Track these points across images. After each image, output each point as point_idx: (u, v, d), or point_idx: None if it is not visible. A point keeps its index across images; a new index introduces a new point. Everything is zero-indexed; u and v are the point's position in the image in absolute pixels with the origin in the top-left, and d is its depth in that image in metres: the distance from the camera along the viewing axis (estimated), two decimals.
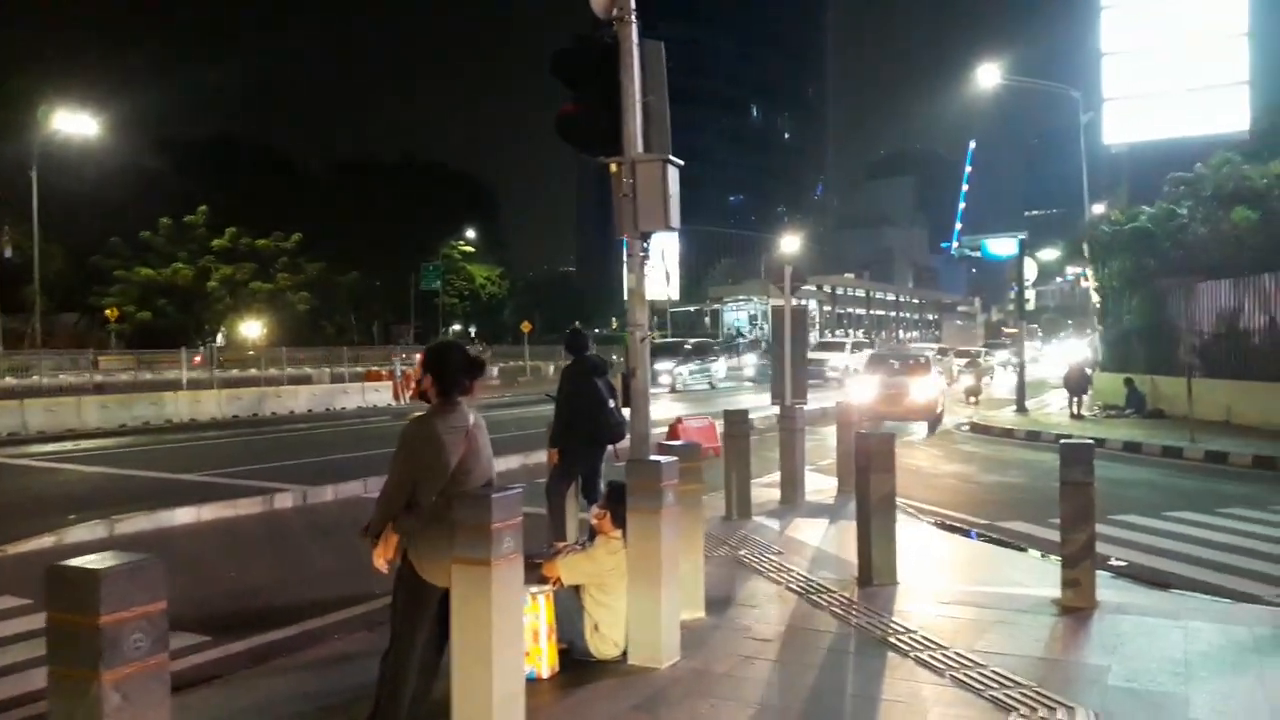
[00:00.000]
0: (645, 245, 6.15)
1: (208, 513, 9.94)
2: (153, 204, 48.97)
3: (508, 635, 3.69)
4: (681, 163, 5.97)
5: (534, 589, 4.89)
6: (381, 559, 3.84)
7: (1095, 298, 24.53)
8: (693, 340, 41.32)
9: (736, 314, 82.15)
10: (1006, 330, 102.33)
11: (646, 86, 5.98)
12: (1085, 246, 24.38)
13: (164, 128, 61.61)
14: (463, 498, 3.68)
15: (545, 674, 4.78)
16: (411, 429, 3.83)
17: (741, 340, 60.65)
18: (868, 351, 29.44)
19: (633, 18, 5.86)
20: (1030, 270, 24.08)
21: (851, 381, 19.03)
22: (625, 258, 6.15)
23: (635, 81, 5.87)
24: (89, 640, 2.33)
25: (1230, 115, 25.43)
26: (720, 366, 36.91)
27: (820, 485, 11.08)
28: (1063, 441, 6.31)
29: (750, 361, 42.19)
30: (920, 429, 18.56)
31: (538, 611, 4.80)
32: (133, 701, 2.39)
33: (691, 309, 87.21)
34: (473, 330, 71.55)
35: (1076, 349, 35.90)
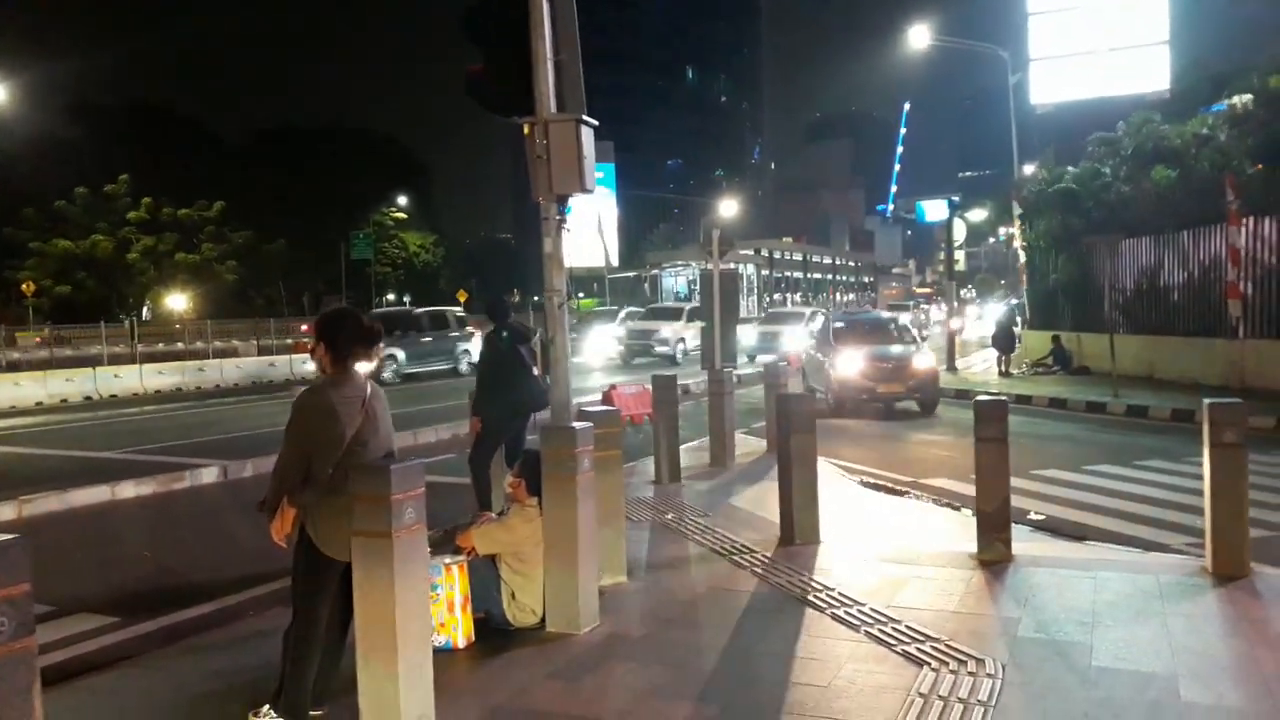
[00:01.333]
0: (561, 209, 6.03)
1: (124, 491, 9.66)
2: (67, 174, 47.28)
3: (412, 607, 3.60)
4: (595, 123, 5.84)
5: (448, 559, 4.82)
6: (278, 533, 3.73)
7: (1022, 257, 24.96)
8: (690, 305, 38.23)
9: (675, 279, 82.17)
10: (919, 290, 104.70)
11: (558, 44, 5.81)
12: (1014, 206, 24.74)
13: (78, 95, 59.37)
14: (361, 469, 3.58)
15: (461, 644, 4.72)
16: (304, 399, 3.71)
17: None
18: (811, 319, 27.18)
19: None
20: (959, 231, 24.39)
21: (833, 355, 15.28)
22: (541, 221, 6.02)
23: (546, 39, 5.71)
24: None
25: (1152, 75, 25.91)
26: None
27: (752, 447, 11.14)
28: (977, 399, 6.39)
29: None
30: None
31: (452, 582, 4.74)
32: None
33: (630, 275, 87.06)
34: (408, 298, 70.53)
35: (997, 310, 36.26)
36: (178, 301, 50.20)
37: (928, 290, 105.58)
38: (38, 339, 35.45)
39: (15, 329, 36.45)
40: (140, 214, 48.10)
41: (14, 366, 26.57)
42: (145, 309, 51.78)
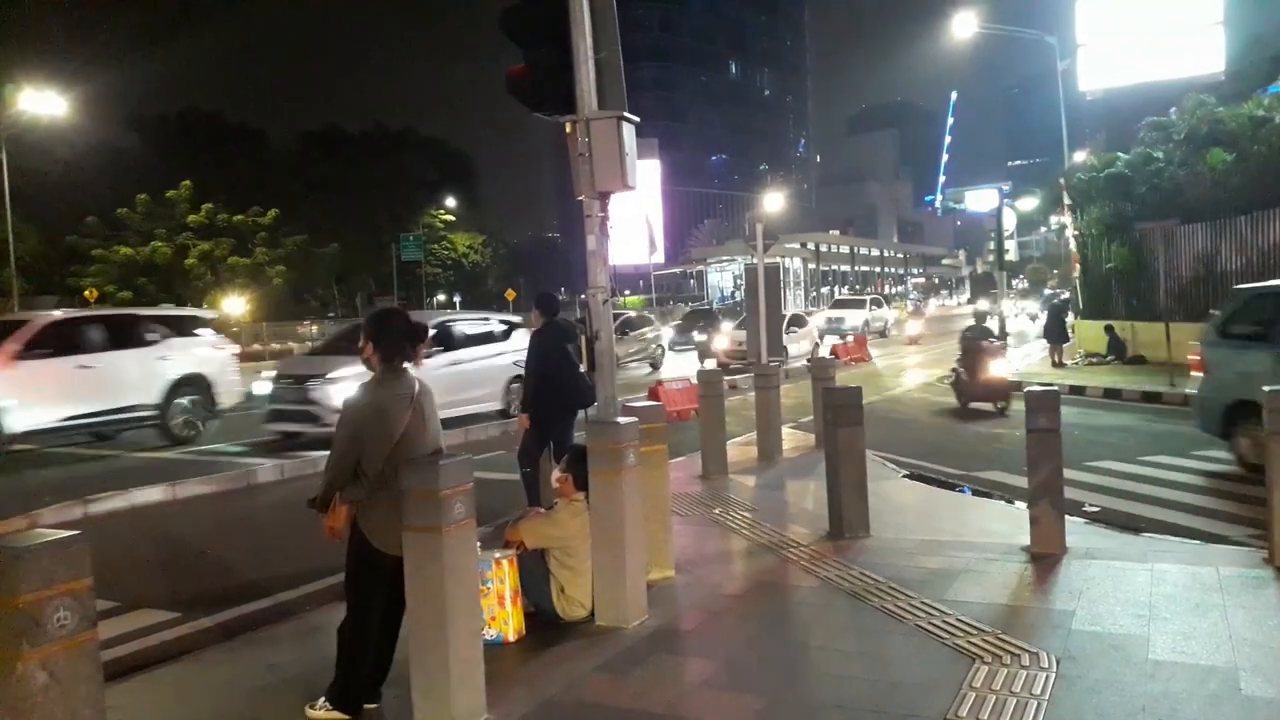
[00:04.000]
0: (604, 206, 6.06)
1: (185, 490, 9.89)
2: (125, 182, 48.37)
3: (463, 601, 3.67)
4: (637, 119, 5.86)
5: (498, 554, 4.88)
6: (331, 530, 3.81)
7: (1074, 245, 24.51)
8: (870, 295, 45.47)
9: (721, 275, 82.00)
10: (918, 282, 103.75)
11: (599, 42, 5.84)
12: (1064, 194, 24.30)
13: (132, 104, 60.92)
14: (411, 465, 3.64)
15: (512, 637, 4.78)
16: (354, 398, 3.78)
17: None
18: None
19: None
20: (1009, 221, 24.06)
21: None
22: (585, 219, 6.05)
23: (586, 37, 5.74)
24: (10, 619, 2.30)
25: (1205, 57, 25.19)
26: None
27: (799, 441, 11.10)
28: (1027, 389, 6.30)
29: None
30: (898, 382, 18.56)
31: (503, 576, 4.80)
32: (60, 680, 2.36)
33: (676, 270, 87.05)
34: (458, 298, 71.23)
35: (1027, 305, 40.02)
36: (235, 304, 51.19)
37: (917, 281, 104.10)
38: None
39: None
40: (200, 218, 49.07)
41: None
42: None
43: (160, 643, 5.27)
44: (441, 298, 72.89)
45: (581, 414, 7.55)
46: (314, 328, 42.51)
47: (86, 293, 42.59)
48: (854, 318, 36.10)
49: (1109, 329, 20.20)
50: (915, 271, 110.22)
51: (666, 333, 29.63)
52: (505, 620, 4.78)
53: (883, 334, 37.13)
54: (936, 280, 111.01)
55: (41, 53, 44.19)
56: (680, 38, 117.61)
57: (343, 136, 72.10)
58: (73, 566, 2.42)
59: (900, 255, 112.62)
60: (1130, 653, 4.32)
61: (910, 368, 23.15)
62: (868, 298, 42.42)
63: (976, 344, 14.25)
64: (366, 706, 3.95)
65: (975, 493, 8.85)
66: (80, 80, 39.86)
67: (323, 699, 3.94)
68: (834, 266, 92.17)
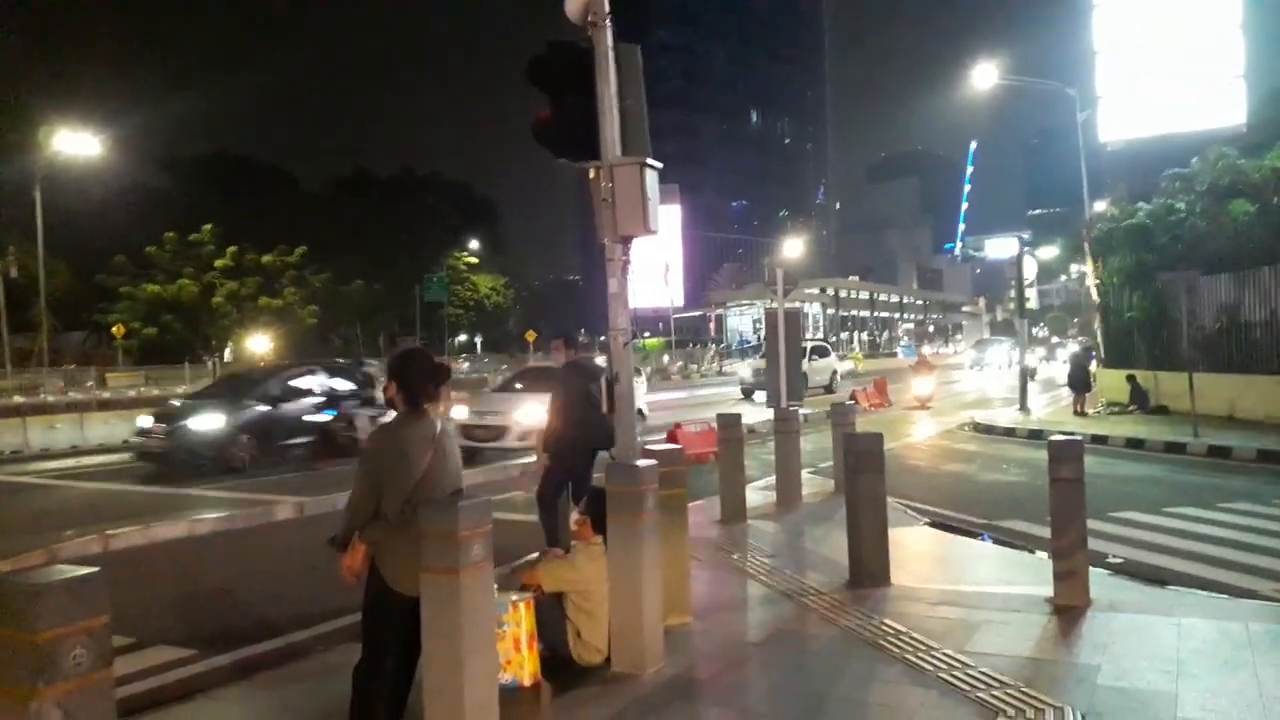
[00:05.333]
0: (626, 250, 6.10)
1: (203, 525, 9.92)
2: (155, 221, 49.27)
3: (479, 643, 3.64)
4: (660, 165, 5.91)
5: (514, 596, 4.84)
6: (349, 569, 3.80)
7: (1095, 295, 24.40)
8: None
9: (740, 318, 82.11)
10: (909, 328, 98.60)
11: (623, 90, 5.92)
12: (1086, 244, 24.24)
13: (163, 146, 62.17)
14: (430, 506, 3.64)
15: (527, 682, 4.73)
16: (376, 437, 3.79)
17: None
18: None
19: (607, 22, 5.81)
20: (1030, 269, 23.93)
21: None
22: (606, 263, 6.09)
23: (611, 85, 5.82)
24: (27, 657, 2.29)
25: (1226, 109, 25.26)
26: None
27: (818, 488, 11.02)
28: (1051, 439, 6.24)
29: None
30: (918, 429, 18.47)
31: (519, 619, 4.75)
32: (75, 718, 2.35)
33: (695, 314, 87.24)
34: (479, 339, 71.60)
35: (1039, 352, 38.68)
36: (259, 343, 51.66)
37: (908, 327, 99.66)
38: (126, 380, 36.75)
39: (106, 369, 37.79)
40: (226, 261, 49.77)
41: (105, 405, 27.50)
42: (228, 350, 53.40)
43: (176, 680, 5.26)
44: (463, 338, 73.36)
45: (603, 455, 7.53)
46: None
47: (114, 329, 43.18)
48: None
49: (1131, 378, 20.03)
50: (910, 316, 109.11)
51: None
52: (521, 664, 4.73)
53: (828, 389, 30.54)
54: (932, 327, 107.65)
55: (77, 94, 45.32)
56: (703, 87, 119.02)
57: (370, 180, 73.24)
58: (90, 604, 2.43)
59: (920, 302, 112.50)
60: (1158, 710, 4.23)
61: (925, 418, 23.02)
62: (807, 344, 33.17)
63: None
64: None
65: (997, 542, 8.74)
66: (115, 122, 40.82)
67: None
68: (854, 312, 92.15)
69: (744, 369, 33.62)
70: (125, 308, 46.58)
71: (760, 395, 26.82)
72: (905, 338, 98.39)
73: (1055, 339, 64.41)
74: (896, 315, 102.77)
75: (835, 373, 33.05)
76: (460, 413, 14.69)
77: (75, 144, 33.40)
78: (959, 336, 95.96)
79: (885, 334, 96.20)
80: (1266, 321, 16.86)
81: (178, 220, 49.64)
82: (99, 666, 2.41)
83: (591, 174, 5.92)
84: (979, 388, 34.22)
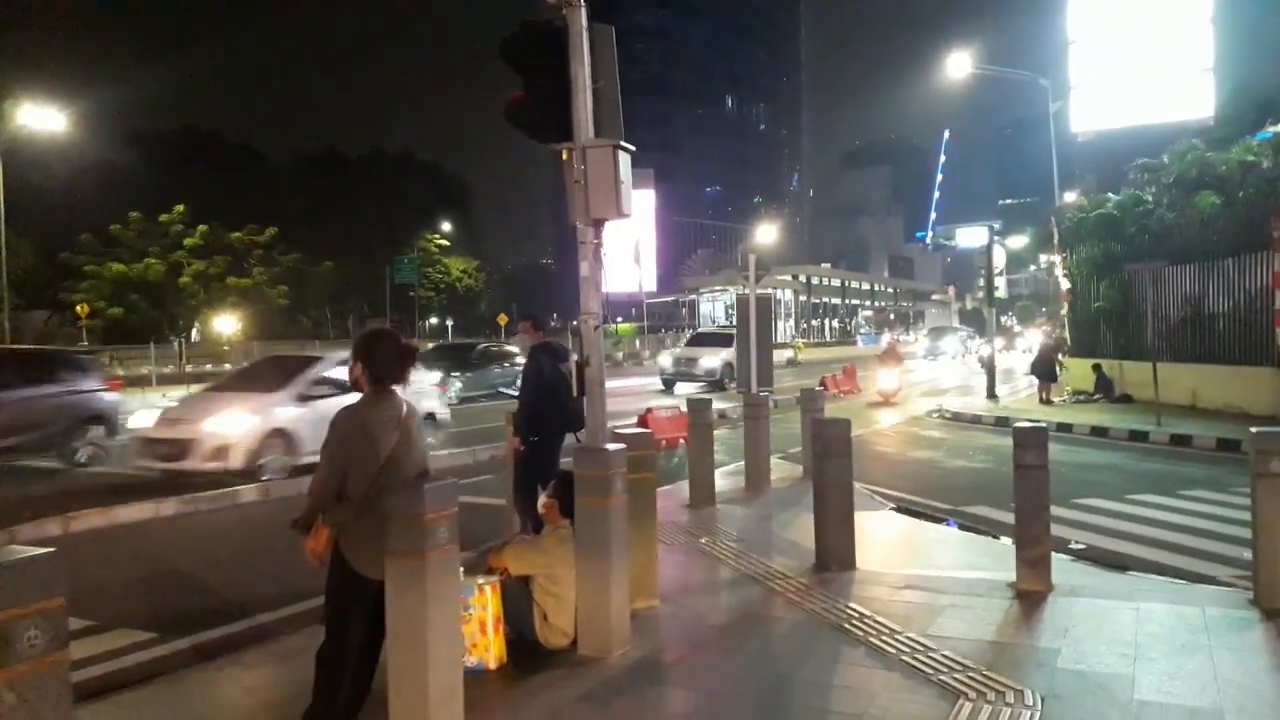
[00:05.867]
0: (599, 233, 6.08)
1: (168, 508, 9.80)
2: (122, 198, 48.44)
3: (444, 627, 3.62)
4: (633, 148, 5.88)
5: (481, 580, 4.83)
6: (312, 552, 3.76)
7: (1064, 284, 24.67)
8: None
9: (712, 304, 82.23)
10: (869, 314, 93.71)
11: (597, 72, 5.88)
12: (1054, 233, 24.48)
13: (130, 122, 61.01)
14: (395, 488, 3.61)
15: (492, 665, 4.72)
16: (341, 418, 3.76)
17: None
18: None
19: (581, 1, 5.78)
20: (1000, 258, 24.14)
21: None
22: (579, 246, 6.06)
23: (585, 66, 5.79)
24: None
25: (1195, 102, 25.58)
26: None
27: (787, 472, 11.08)
28: (1016, 425, 6.31)
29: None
30: (886, 416, 18.62)
31: (485, 603, 4.75)
32: (29, 700, 2.31)
33: (668, 299, 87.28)
34: (450, 322, 71.24)
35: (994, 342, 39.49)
36: (227, 324, 51.02)
37: (868, 314, 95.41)
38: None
39: (68, 349, 37.09)
40: (196, 240, 49.02)
41: None
42: (194, 331, 52.71)
43: (136, 664, 5.20)
44: (434, 321, 72.90)
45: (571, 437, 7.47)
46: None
47: (78, 308, 42.49)
48: (711, 359, 25.75)
49: (1096, 367, 20.29)
50: (905, 305, 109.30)
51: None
52: (486, 648, 4.73)
53: (716, 383, 25.70)
54: (893, 314, 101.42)
55: (41, 68, 44.43)
56: (678, 72, 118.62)
57: (341, 160, 72.39)
58: (46, 585, 2.38)
59: (891, 290, 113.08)
60: (1115, 693, 4.30)
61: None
62: (734, 331, 29.55)
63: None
64: None
65: (962, 527, 8.83)
66: (80, 96, 40.07)
67: None
68: (825, 299, 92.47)
69: (664, 357, 28.59)
70: (90, 287, 45.84)
71: (683, 387, 25.03)
72: (865, 324, 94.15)
73: (1017, 328, 63.92)
74: (868, 303, 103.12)
75: (729, 365, 24.44)
76: (142, 420, 11.84)
77: (39, 119, 32.71)
78: (922, 324, 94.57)
79: (852, 321, 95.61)
80: (1229, 313, 17.09)
81: (144, 197, 48.80)
82: (55, 648, 2.37)
83: (564, 156, 5.88)
84: (932, 378, 33.10)
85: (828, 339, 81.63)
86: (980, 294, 32.94)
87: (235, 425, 10.73)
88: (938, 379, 32.61)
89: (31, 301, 48.14)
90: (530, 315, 8.02)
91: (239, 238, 50.94)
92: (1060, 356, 22.57)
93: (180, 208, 48.87)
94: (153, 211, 48.77)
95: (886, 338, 48.80)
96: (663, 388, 26.24)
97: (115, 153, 52.67)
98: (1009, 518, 6.99)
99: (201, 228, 49.09)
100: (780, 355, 35.26)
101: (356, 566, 3.73)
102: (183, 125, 66.15)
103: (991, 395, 21.49)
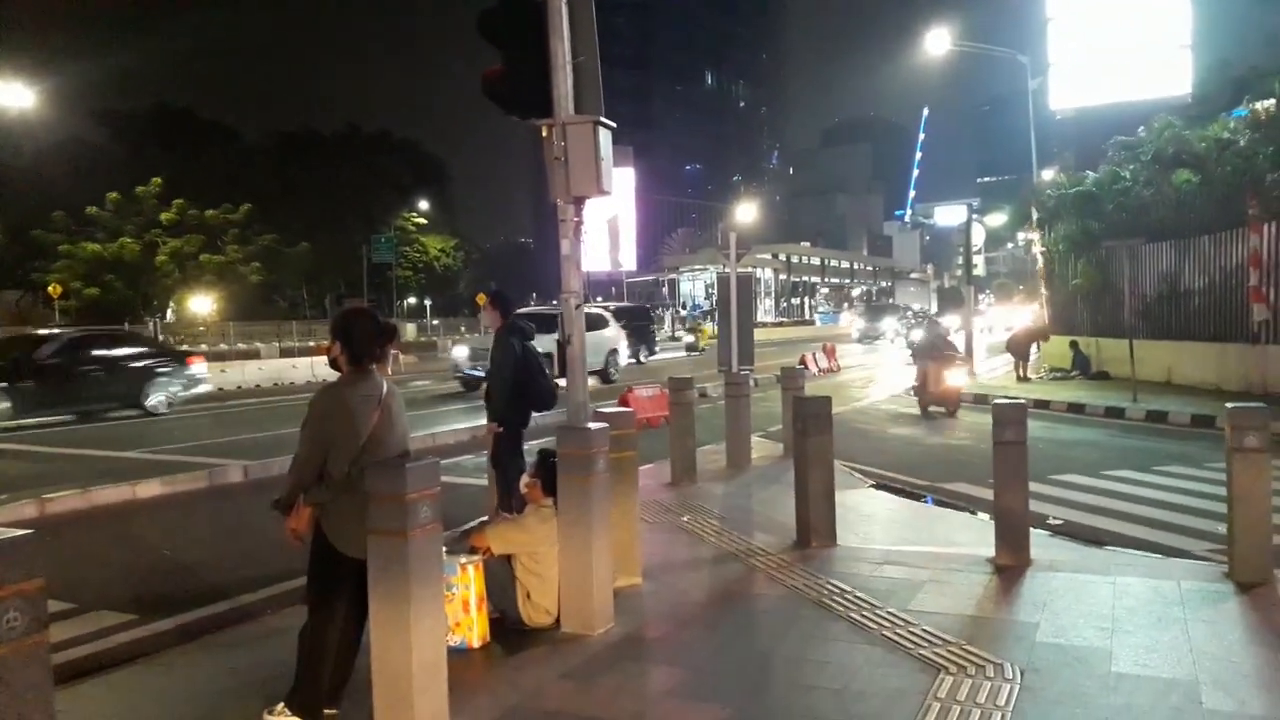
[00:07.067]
0: (579, 211, 6.03)
1: (146, 490, 9.73)
2: (94, 176, 47.71)
3: (427, 606, 3.61)
4: (613, 125, 5.83)
5: (464, 559, 4.82)
6: (294, 532, 3.74)
7: (1041, 262, 24.80)
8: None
9: (693, 283, 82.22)
10: (826, 291, 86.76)
11: (577, 46, 5.82)
12: (1032, 211, 24.57)
13: (102, 99, 60.09)
14: (377, 468, 3.59)
15: (476, 644, 4.73)
16: (321, 397, 3.73)
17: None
18: None
19: None
20: (978, 236, 24.20)
21: None
22: (559, 224, 6.02)
23: (565, 41, 5.72)
24: None
25: (1173, 80, 25.63)
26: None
27: (768, 451, 11.12)
28: (995, 403, 6.35)
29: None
30: (867, 393, 18.69)
31: (468, 582, 4.74)
32: (8, 683, 2.29)
33: (648, 278, 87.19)
34: (428, 301, 70.83)
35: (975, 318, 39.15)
36: (202, 303, 50.46)
37: (825, 291, 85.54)
38: None
39: (42, 329, 36.67)
40: (172, 215, 48.25)
41: None
42: (169, 310, 52.12)
43: (117, 645, 5.17)
44: (412, 300, 72.46)
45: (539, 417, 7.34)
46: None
47: (51, 288, 41.91)
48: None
49: (1074, 344, 20.45)
50: (884, 284, 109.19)
51: None
52: (470, 626, 4.73)
53: (601, 376, 22.44)
54: (854, 293, 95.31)
55: (8, 43, 43.60)
56: (658, 47, 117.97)
57: (316, 137, 71.54)
58: (23, 566, 2.35)
59: (869, 268, 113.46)
60: (1093, 665, 4.35)
61: (874, 383, 23.29)
62: (608, 312, 25.77)
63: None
64: (327, 712, 3.87)
65: (941, 504, 8.91)
66: (49, 73, 39.35)
67: (282, 704, 3.87)
68: (805, 278, 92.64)
69: (458, 350, 23.25)
70: (64, 266, 45.20)
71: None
72: (823, 302, 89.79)
73: (984, 305, 63.17)
74: (848, 281, 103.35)
75: (614, 352, 23.84)
76: None
77: (7, 95, 32.11)
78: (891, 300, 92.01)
79: (809, 298, 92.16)
80: (1205, 290, 17.26)
81: (116, 175, 48.03)
82: (34, 630, 2.35)
83: (544, 132, 5.82)
84: (862, 377, 24.87)
85: (774, 319, 75.97)
86: (959, 272, 33.02)
87: None
88: (871, 376, 25.18)
89: (3, 281, 47.49)
90: (494, 292, 7.70)
91: (214, 215, 50.30)
92: (1040, 343, 22.65)
93: (157, 180, 48.10)
94: (126, 190, 48.04)
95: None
96: (461, 389, 20.70)
97: (85, 130, 51.97)
98: (988, 494, 7.05)
99: (178, 201, 48.36)
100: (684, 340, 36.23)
101: (338, 546, 3.71)
102: (154, 103, 65.07)
103: (970, 373, 21.60)
